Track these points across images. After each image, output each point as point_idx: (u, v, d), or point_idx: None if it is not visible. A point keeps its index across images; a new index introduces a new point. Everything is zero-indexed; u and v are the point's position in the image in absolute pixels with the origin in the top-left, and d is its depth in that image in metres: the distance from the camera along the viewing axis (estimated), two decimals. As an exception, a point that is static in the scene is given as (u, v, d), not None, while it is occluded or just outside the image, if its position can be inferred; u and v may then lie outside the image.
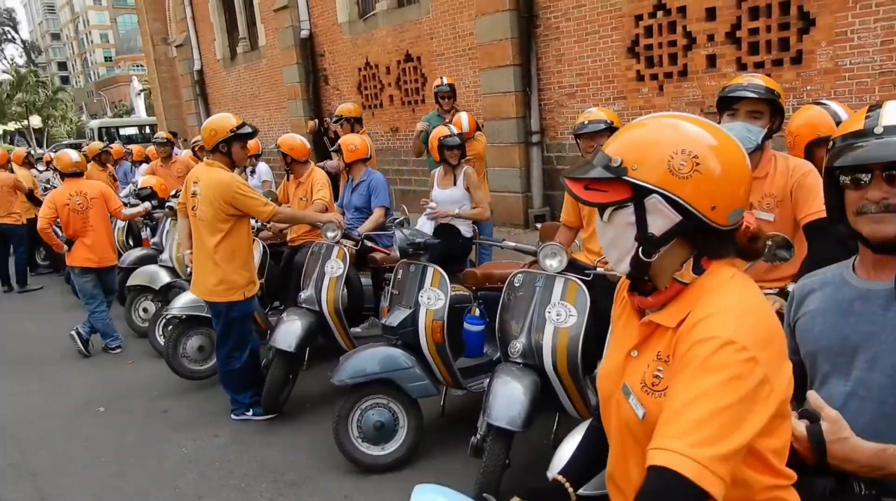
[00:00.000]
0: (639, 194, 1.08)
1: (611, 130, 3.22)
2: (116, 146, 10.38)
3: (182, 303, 4.50)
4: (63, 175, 5.54)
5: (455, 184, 4.38)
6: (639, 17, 7.21)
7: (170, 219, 5.81)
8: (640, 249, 1.11)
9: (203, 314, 4.28)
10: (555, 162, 8.57)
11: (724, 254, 1.14)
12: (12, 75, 55.79)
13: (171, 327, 4.90)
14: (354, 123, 6.42)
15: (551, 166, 8.60)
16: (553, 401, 3.03)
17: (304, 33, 12.39)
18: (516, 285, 3.07)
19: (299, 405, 4.18)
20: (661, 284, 1.16)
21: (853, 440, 1.23)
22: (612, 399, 1.22)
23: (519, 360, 2.93)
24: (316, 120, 11.43)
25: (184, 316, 4.51)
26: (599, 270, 2.96)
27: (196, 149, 7.59)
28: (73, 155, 5.56)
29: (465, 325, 3.71)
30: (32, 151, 12.09)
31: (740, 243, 1.16)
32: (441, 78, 6.13)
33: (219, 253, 3.71)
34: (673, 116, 1.14)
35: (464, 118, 5.41)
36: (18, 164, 9.09)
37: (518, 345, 2.93)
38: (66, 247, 5.41)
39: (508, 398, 2.80)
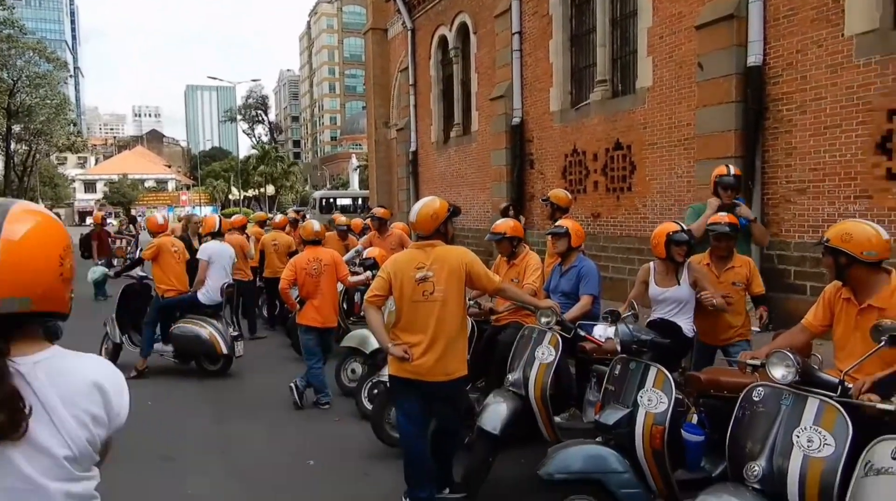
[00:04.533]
0: None
1: None
2: (356, 220, 11.18)
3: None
4: (305, 242, 6.21)
5: (679, 282, 4.12)
6: (893, 112, 6.50)
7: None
8: None
9: None
10: (776, 260, 7.84)
11: None
12: (259, 151, 65.54)
13: (377, 391, 5.14)
14: (556, 211, 6.39)
15: (771, 265, 7.87)
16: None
17: (516, 120, 12.98)
18: (755, 399, 2.76)
19: (492, 490, 4.08)
20: None
21: None
22: None
23: (756, 485, 2.59)
24: (506, 205, 11.55)
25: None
26: (852, 389, 2.56)
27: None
28: (315, 225, 6.19)
29: (684, 434, 3.40)
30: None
31: None
32: (727, 166, 5.42)
33: (461, 329, 3.63)
34: None
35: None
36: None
37: (756, 469, 2.60)
38: (298, 306, 5.97)
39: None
